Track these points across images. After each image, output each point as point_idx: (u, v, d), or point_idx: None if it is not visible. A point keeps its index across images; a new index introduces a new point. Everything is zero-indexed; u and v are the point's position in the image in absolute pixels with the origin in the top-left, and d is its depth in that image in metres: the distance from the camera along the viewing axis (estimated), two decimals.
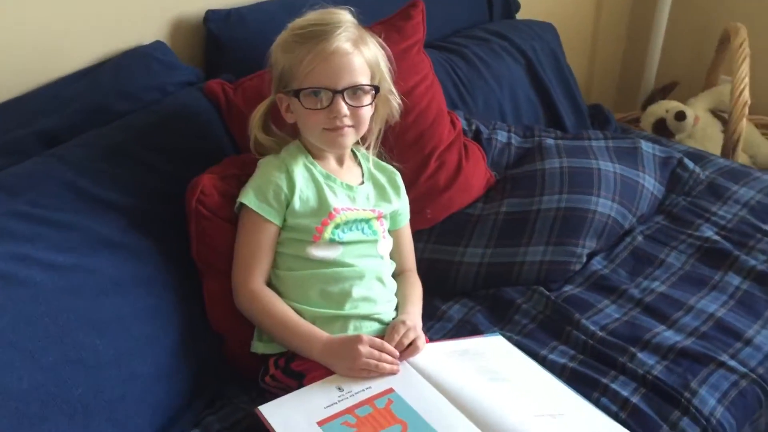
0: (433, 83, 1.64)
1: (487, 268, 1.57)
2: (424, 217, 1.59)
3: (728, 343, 1.43)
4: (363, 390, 1.21)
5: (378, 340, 1.23)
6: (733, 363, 1.38)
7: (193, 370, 1.27)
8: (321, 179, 1.34)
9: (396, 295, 1.41)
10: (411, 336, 1.27)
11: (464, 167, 1.62)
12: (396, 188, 1.45)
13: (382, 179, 1.44)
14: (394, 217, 1.45)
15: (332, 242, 1.32)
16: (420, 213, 1.57)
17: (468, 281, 1.58)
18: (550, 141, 1.79)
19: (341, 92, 1.27)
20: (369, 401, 1.19)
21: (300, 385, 1.22)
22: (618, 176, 1.71)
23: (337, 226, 1.32)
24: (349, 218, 1.34)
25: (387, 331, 1.28)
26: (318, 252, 1.32)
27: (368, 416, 1.16)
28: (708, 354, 1.39)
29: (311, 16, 1.30)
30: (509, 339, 1.42)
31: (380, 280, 1.37)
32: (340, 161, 1.40)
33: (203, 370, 1.29)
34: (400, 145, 1.52)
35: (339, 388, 1.21)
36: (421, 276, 1.50)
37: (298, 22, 1.30)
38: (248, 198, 1.31)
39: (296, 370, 1.27)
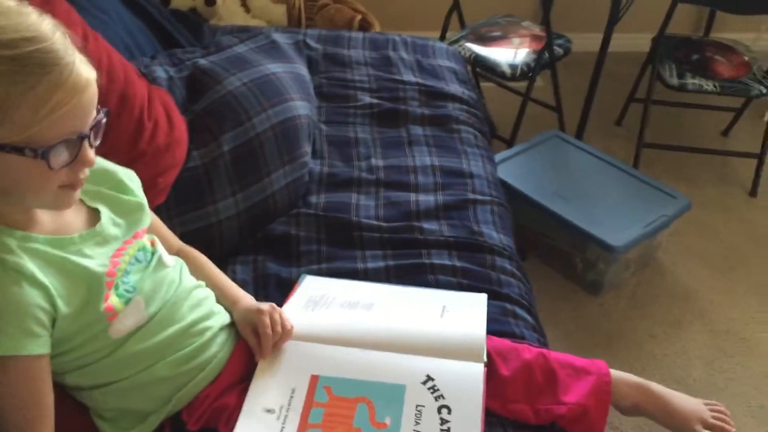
0: (94, 32, 1.30)
1: (246, 214, 1.42)
2: (158, 190, 1.32)
3: (462, 183, 1.61)
4: (291, 395, 1.05)
5: None
6: (478, 197, 1.58)
7: None
8: (58, 253, 0.94)
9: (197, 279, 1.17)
10: (277, 318, 1.11)
11: (173, 117, 1.37)
12: (122, 186, 1.08)
13: (105, 188, 1.06)
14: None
15: (128, 301, 1.00)
16: (153, 186, 1.30)
17: (233, 237, 1.41)
18: (203, 61, 1.61)
19: (88, 136, 0.89)
20: (310, 404, 1.04)
21: None
22: (288, 75, 1.65)
23: (117, 286, 0.99)
24: (123, 264, 1.01)
25: (259, 329, 1.10)
26: (124, 324, 0.99)
27: (327, 418, 1.03)
28: (460, 199, 1.55)
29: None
30: (318, 273, 1.36)
31: (193, 288, 1.11)
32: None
33: None
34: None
35: (268, 411, 1.02)
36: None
37: None
38: (3, 345, 0.87)
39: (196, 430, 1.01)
